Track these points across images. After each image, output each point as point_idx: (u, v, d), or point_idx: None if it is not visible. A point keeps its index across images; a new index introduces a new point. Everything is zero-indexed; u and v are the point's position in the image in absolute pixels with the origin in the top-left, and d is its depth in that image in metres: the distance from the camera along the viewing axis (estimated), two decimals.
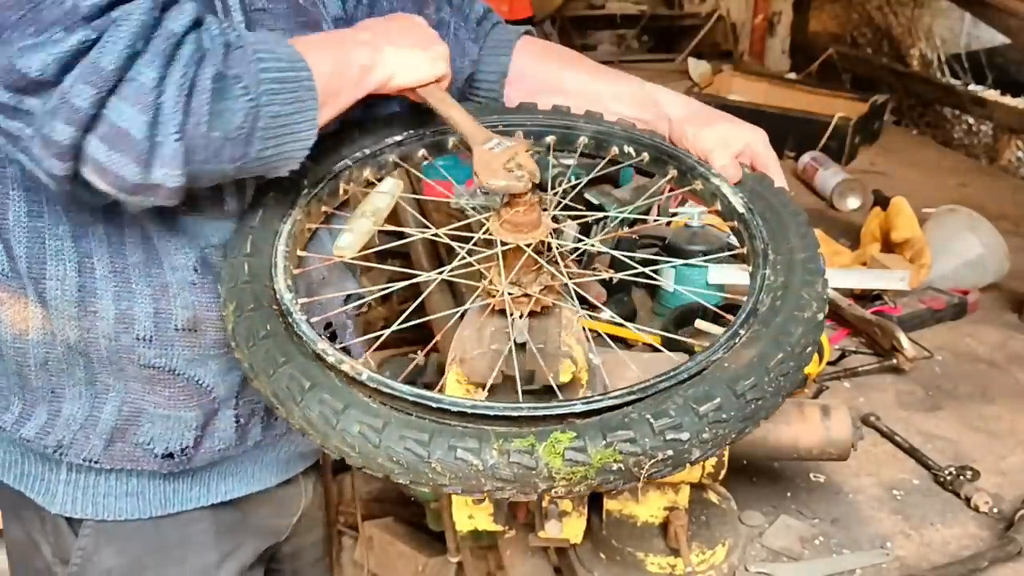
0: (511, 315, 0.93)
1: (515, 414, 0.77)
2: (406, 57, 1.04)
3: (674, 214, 1.87)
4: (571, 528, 1.03)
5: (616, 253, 1.35)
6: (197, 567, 1.12)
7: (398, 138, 1.14)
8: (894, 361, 1.53)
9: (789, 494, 1.23)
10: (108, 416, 1.01)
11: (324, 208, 1.08)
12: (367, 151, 1.11)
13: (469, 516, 1.02)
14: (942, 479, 1.25)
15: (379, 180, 1.13)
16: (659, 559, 1.05)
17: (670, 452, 0.76)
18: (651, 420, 0.76)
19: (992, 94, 2.92)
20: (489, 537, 1.20)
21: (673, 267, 1.69)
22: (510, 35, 1.30)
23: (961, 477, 1.24)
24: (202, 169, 0.84)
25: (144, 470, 1.05)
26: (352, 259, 1.05)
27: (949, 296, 1.72)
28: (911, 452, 1.32)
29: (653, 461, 0.75)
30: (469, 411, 0.78)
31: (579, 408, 0.78)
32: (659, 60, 3.94)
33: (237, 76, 0.84)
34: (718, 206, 1.09)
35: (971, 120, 3.19)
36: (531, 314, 0.96)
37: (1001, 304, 1.78)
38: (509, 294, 0.94)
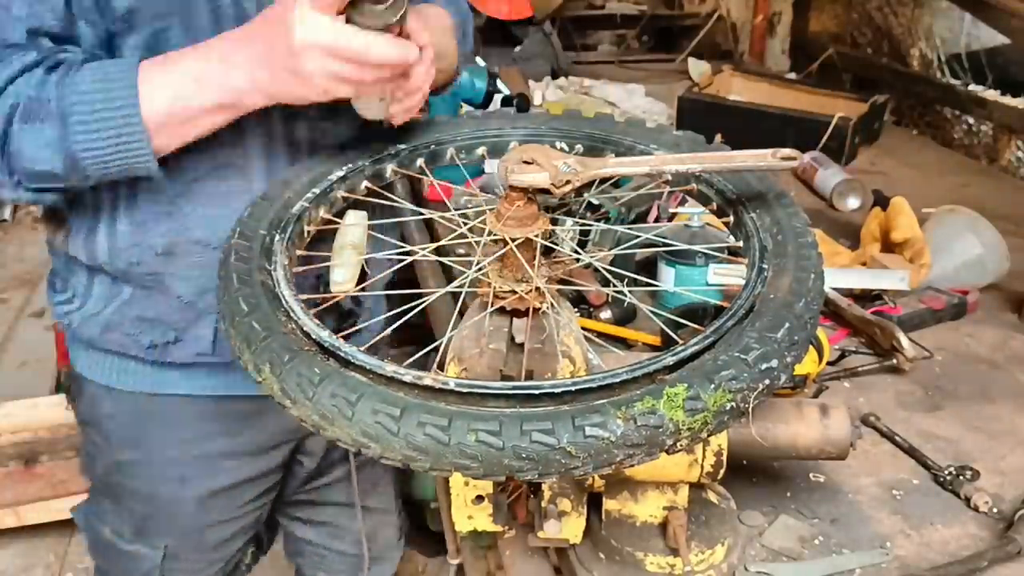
0: (537, 311, 0.94)
1: (614, 380, 0.78)
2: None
3: (674, 214, 1.88)
4: (570, 528, 1.03)
5: (620, 227, 1.34)
6: (186, 436, 1.33)
7: (340, 173, 1.11)
8: (894, 361, 1.53)
9: (789, 494, 1.23)
10: (108, 312, 1.24)
11: (297, 252, 1.04)
12: (316, 191, 1.07)
13: (469, 516, 1.02)
14: (942, 479, 1.25)
15: (336, 215, 1.11)
16: (658, 559, 1.05)
17: (767, 381, 0.79)
18: (743, 356, 0.78)
19: (992, 94, 2.91)
20: (489, 537, 1.20)
21: (672, 265, 1.69)
22: None
23: (961, 477, 1.24)
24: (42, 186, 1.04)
25: (134, 355, 1.26)
26: (355, 292, 1.07)
27: (949, 296, 1.72)
28: (911, 452, 1.32)
29: (755, 392, 0.78)
30: (572, 388, 0.77)
31: (669, 361, 0.80)
32: (659, 60, 3.94)
33: (41, 107, 0.98)
34: (668, 175, 1.09)
35: (971, 120, 3.18)
36: (527, 313, 0.96)
37: (1001, 304, 1.78)
38: (537, 289, 0.95)
